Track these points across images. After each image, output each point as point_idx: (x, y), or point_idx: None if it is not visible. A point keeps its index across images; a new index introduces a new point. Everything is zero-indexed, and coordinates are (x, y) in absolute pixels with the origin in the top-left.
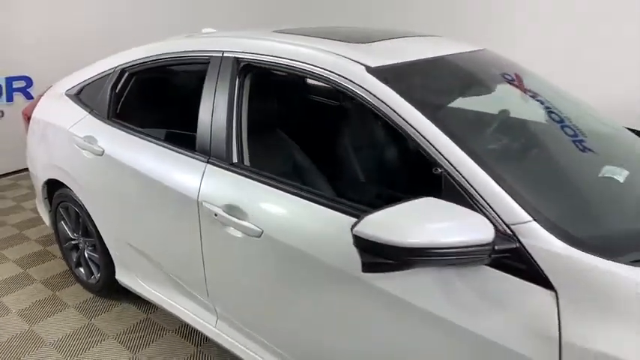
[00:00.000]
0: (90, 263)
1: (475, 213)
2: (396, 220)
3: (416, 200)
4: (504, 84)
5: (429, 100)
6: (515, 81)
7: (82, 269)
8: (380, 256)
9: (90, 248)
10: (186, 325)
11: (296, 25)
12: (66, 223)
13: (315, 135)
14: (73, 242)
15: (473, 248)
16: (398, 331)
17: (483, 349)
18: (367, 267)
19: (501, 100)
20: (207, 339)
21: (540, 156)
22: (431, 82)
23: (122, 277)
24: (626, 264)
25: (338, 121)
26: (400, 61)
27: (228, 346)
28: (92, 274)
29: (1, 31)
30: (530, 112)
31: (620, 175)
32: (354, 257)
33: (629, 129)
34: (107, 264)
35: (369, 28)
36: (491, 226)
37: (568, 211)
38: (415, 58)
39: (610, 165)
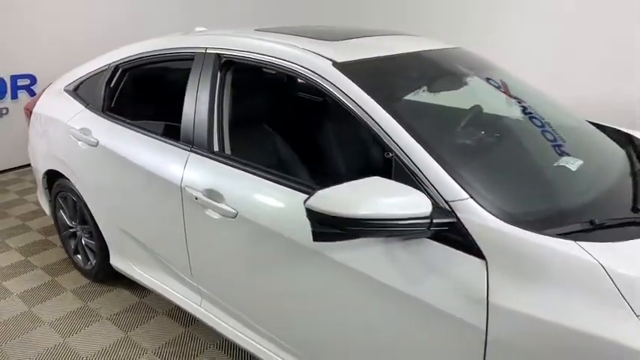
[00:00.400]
0: (86, 250)
1: (416, 190)
2: (343, 195)
3: (363, 179)
4: (468, 78)
5: (387, 92)
6: (480, 76)
7: (79, 256)
8: (328, 227)
9: (86, 235)
10: (176, 308)
11: (283, 24)
12: (64, 212)
13: (289, 125)
14: (71, 230)
15: (412, 221)
16: (353, 298)
17: (424, 312)
18: (317, 236)
19: (459, 92)
20: (195, 320)
21: (482, 142)
22: (393, 75)
23: (116, 262)
24: (552, 236)
25: (309, 112)
26: (366, 56)
27: (213, 324)
28: (88, 260)
29: (7, 31)
30: (489, 103)
31: (559, 161)
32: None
33: (592, 123)
34: (102, 250)
35: (349, 27)
36: (429, 201)
37: (502, 190)
38: (381, 54)
39: (549, 148)
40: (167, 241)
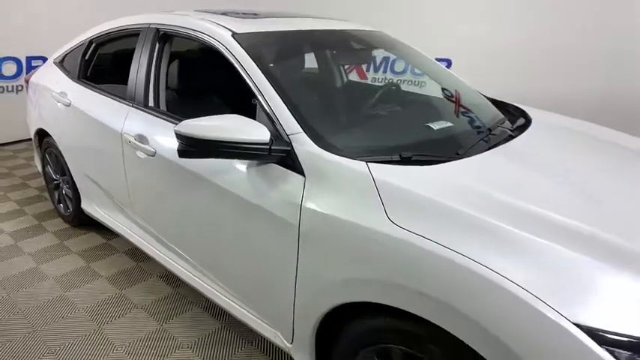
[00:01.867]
0: (66, 199)
1: (261, 124)
2: (202, 123)
3: (224, 115)
4: (348, 52)
5: (266, 56)
6: (363, 51)
7: (61, 205)
8: (189, 147)
9: (67, 186)
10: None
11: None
12: (50, 167)
13: (205, 83)
14: (55, 182)
15: (254, 146)
16: (224, 210)
17: (267, 217)
18: (181, 154)
19: (328, 62)
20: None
21: (326, 97)
22: (277, 45)
23: (85, 206)
24: (350, 158)
25: (217, 72)
26: (261, 30)
27: (150, 252)
28: (68, 208)
29: (23, 17)
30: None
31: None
32: (204, 163)
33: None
34: (76, 197)
35: (281, 11)
36: (268, 133)
37: (326, 128)
38: (275, 29)
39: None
40: (116, 182)
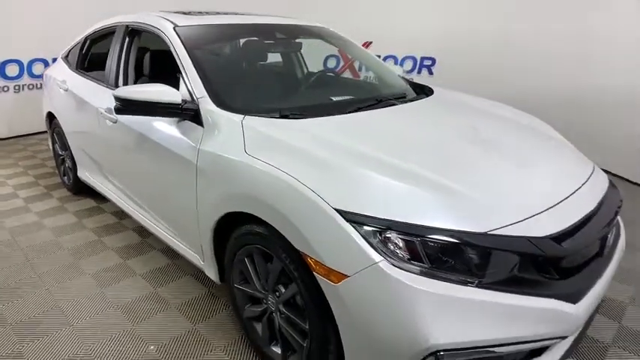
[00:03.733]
0: (68, 171)
1: (176, 90)
2: (131, 88)
3: (151, 83)
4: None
5: (195, 42)
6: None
7: (65, 177)
8: (123, 106)
9: (68, 159)
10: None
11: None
12: (57, 145)
13: (157, 64)
14: (61, 157)
15: (169, 105)
16: (154, 157)
17: (179, 159)
18: (117, 111)
19: (252, 47)
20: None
21: (235, 72)
22: (207, 34)
23: (80, 174)
24: (233, 112)
25: (164, 55)
26: (199, 23)
27: (121, 206)
28: (69, 178)
29: (52, 20)
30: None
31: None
32: (145, 124)
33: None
34: (74, 167)
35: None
36: (180, 96)
37: (226, 93)
38: (211, 23)
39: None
40: (96, 148)
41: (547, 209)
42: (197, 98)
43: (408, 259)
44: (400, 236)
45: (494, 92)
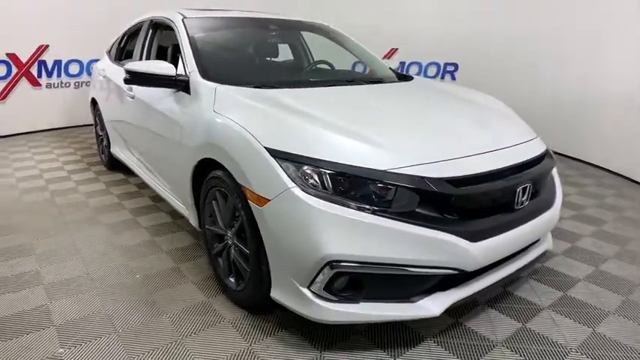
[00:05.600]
0: (105, 149)
1: (168, 64)
2: (137, 63)
3: (154, 60)
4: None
5: (198, 31)
6: (279, 31)
7: (103, 155)
8: (130, 77)
9: (105, 139)
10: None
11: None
12: (98, 125)
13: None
14: (100, 137)
15: (165, 77)
16: (156, 123)
17: (171, 121)
18: (125, 81)
19: (247, 35)
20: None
21: (226, 54)
22: (209, 24)
23: (113, 150)
24: (216, 83)
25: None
26: (203, 16)
27: (139, 173)
28: (105, 156)
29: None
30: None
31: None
32: (151, 95)
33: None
34: (109, 145)
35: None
36: (175, 69)
37: (212, 68)
38: (214, 16)
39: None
40: (122, 124)
41: (453, 159)
42: (189, 72)
43: (316, 186)
44: (312, 169)
45: (514, 94)
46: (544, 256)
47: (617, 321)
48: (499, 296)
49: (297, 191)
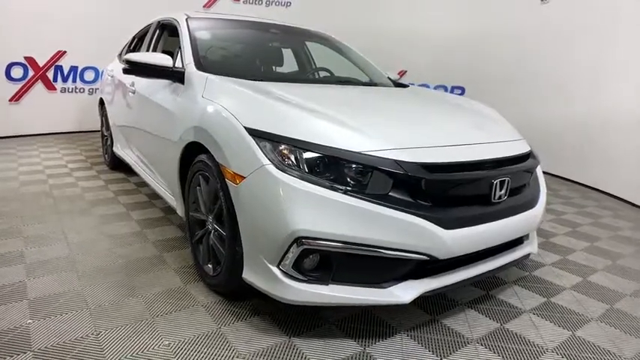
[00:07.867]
0: (108, 148)
1: (165, 56)
2: (138, 54)
3: (153, 52)
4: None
5: (199, 29)
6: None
7: (106, 155)
8: (129, 67)
9: (109, 138)
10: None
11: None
12: (104, 127)
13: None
14: (105, 137)
15: (162, 68)
16: (156, 114)
17: (165, 110)
18: (124, 71)
19: (246, 37)
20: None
21: (228, 55)
22: (210, 24)
23: (115, 148)
24: (208, 73)
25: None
26: (205, 17)
27: (137, 170)
28: (109, 155)
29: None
30: (260, 46)
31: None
32: (149, 88)
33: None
34: (112, 144)
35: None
36: (171, 61)
37: (206, 61)
38: (215, 17)
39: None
40: (123, 121)
41: (431, 147)
42: (186, 64)
43: (290, 165)
44: (287, 148)
45: (520, 116)
46: (526, 258)
47: (598, 327)
48: (480, 298)
49: (271, 168)
